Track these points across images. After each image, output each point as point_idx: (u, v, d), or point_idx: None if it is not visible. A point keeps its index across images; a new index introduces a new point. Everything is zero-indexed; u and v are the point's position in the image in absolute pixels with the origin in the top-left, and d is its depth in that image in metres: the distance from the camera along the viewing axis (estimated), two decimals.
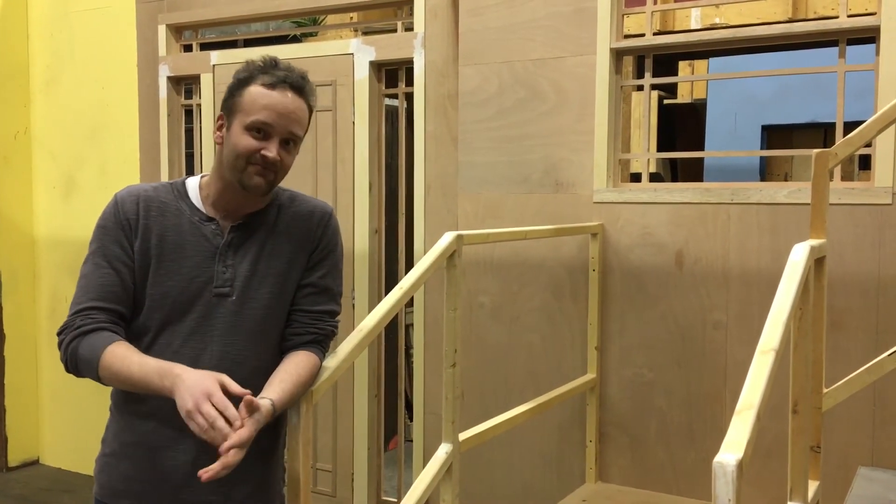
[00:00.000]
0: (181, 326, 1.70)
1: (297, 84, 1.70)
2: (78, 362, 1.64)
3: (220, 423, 1.47)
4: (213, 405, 1.48)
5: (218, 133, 1.72)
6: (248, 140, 1.66)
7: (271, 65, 1.70)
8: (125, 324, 1.70)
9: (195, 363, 1.66)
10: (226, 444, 1.46)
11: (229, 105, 1.71)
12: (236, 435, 1.48)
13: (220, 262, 1.72)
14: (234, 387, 1.54)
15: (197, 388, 1.50)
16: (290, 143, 1.70)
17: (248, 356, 1.73)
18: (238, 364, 1.71)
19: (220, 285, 1.71)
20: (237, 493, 1.76)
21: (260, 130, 1.66)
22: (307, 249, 1.80)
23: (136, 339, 1.70)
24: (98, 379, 1.63)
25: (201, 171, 4.05)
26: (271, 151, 1.66)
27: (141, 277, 1.70)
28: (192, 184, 1.78)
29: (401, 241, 3.71)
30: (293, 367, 1.72)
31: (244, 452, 1.50)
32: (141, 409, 1.70)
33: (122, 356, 1.60)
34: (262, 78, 1.68)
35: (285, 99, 1.67)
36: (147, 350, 1.68)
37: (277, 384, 1.67)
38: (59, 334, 1.69)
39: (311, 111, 1.75)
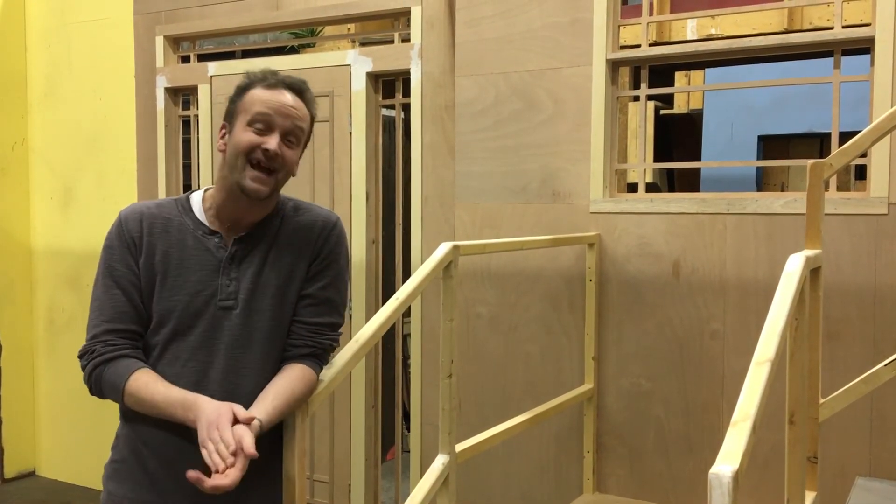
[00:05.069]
0: (188, 340, 1.71)
1: (297, 86, 1.74)
2: (103, 389, 1.68)
3: (216, 458, 1.51)
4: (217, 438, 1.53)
5: (221, 141, 1.75)
6: (249, 135, 1.68)
7: (270, 73, 1.75)
8: (142, 340, 1.72)
9: (202, 376, 1.69)
10: (208, 483, 1.48)
11: (230, 111, 1.74)
12: (221, 479, 1.49)
13: (223, 275, 1.72)
14: (241, 414, 1.58)
15: (212, 419, 1.55)
16: (292, 138, 1.72)
17: (253, 369, 1.73)
18: (243, 377, 1.72)
19: (224, 298, 1.72)
20: None
21: (261, 124, 1.68)
22: (307, 260, 1.79)
23: (145, 353, 1.72)
24: (123, 404, 1.68)
25: (199, 181, 4.08)
26: (272, 144, 1.67)
27: (147, 294, 1.71)
28: (196, 197, 1.79)
29: (398, 252, 3.71)
30: (287, 382, 1.72)
31: (233, 482, 1.50)
32: (150, 421, 1.70)
33: (146, 384, 1.63)
34: (262, 83, 1.72)
35: (284, 97, 1.71)
36: (155, 363, 1.70)
37: (270, 401, 1.67)
38: (80, 358, 1.72)
39: (312, 118, 1.78)
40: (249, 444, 1.53)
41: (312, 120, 1.78)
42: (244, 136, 1.68)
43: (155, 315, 1.71)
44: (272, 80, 1.72)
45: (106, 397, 1.70)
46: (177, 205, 1.78)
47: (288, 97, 1.71)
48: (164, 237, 1.72)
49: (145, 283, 1.71)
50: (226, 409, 1.57)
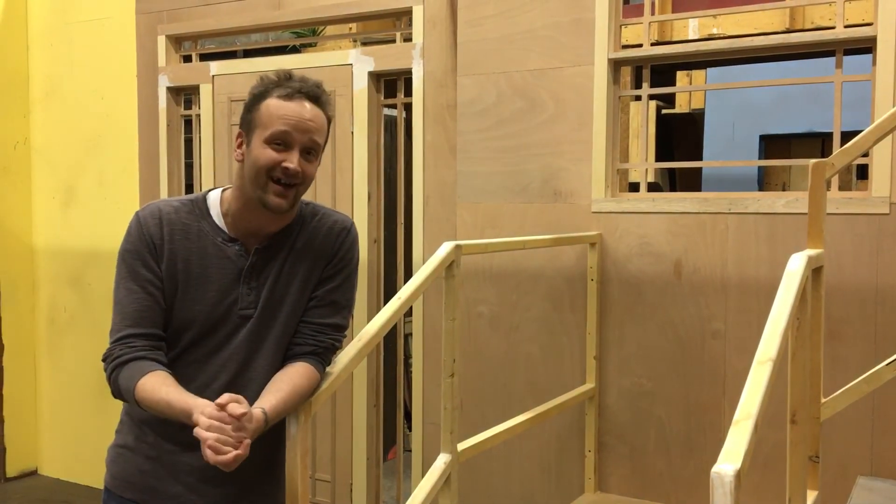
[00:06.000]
0: (206, 346, 1.73)
1: (313, 94, 1.70)
2: (121, 392, 1.67)
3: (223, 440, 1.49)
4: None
5: (238, 150, 1.73)
6: (269, 153, 1.66)
7: (285, 78, 1.71)
8: (163, 342, 1.72)
9: (213, 379, 1.72)
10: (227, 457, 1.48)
11: (247, 121, 1.71)
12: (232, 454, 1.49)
13: (244, 284, 1.74)
14: (232, 410, 1.52)
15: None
16: (312, 152, 1.70)
17: (261, 372, 1.75)
18: (251, 380, 1.74)
19: (245, 307, 1.74)
20: (243, 501, 1.78)
21: (280, 142, 1.66)
22: (321, 266, 1.80)
23: (165, 354, 1.73)
24: (138, 407, 1.67)
25: (200, 181, 4.08)
26: (292, 162, 1.66)
27: (168, 300, 1.72)
28: (214, 200, 1.78)
29: (399, 251, 3.71)
30: (288, 377, 1.72)
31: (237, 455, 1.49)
32: (153, 416, 1.71)
33: (152, 389, 1.60)
34: (278, 91, 1.68)
35: (302, 109, 1.68)
36: (173, 363, 1.71)
37: (272, 394, 1.67)
38: (103, 361, 1.71)
39: (329, 120, 1.75)
40: (234, 407, 1.51)
41: (330, 121, 1.76)
42: (264, 153, 1.66)
43: (176, 321, 1.72)
44: (288, 89, 1.68)
45: (127, 402, 1.69)
46: (193, 207, 1.76)
47: (306, 109, 1.68)
48: (185, 244, 1.72)
49: (167, 289, 1.71)
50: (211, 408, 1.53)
